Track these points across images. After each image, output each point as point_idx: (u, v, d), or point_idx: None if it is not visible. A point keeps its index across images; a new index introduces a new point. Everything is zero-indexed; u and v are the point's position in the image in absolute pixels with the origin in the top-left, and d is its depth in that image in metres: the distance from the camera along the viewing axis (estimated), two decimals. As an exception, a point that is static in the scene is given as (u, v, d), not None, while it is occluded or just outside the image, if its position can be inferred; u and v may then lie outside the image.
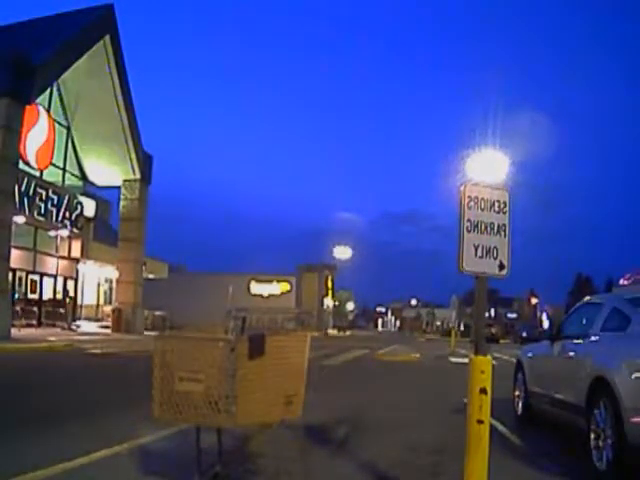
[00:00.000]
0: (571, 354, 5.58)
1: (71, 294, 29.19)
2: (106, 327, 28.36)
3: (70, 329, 24.69)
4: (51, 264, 27.90)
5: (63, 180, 28.13)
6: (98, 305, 33.98)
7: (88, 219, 29.87)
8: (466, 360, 3.70)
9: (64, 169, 28.16)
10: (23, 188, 23.63)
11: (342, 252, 66.33)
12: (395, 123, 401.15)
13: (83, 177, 29.70)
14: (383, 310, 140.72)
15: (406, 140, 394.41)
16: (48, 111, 25.59)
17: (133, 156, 28.04)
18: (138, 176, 28.53)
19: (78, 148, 28.70)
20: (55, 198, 26.52)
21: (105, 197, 35.02)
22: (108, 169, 28.66)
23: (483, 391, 3.47)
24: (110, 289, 33.96)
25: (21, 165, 22.40)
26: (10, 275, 21.06)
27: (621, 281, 6.92)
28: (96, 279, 33.51)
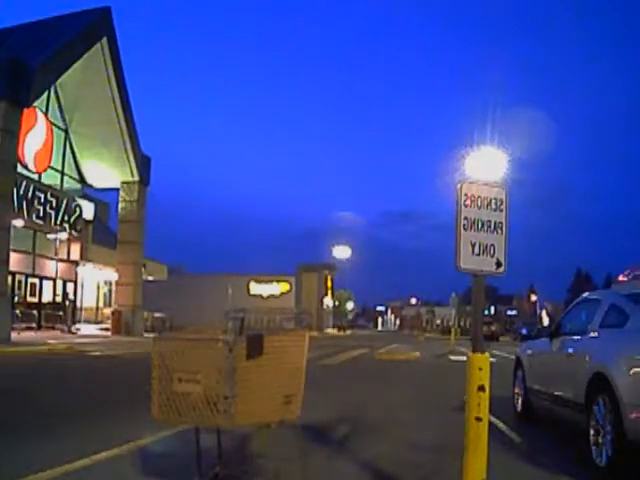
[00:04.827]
0: (570, 351, 5.58)
1: (70, 297, 29.20)
2: (106, 329, 28.37)
3: (70, 332, 24.69)
4: (50, 267, 27.90)
5: (61, 183, 28.14)
6: (98, 307, 33.98)
7: (87, 221, 29.88)
8: (466, 358, 3.70)
9: (62, 172, 28.17)
10: (21, 191, 23.64)
11: (341, 252, 66.48)
12: (394, 122, 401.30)
13: (81, 180, 29.72)
14: (383, 309, 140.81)
15: (405, 139, 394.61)
16: (46, 114, 25.59)
17: (131, 158, 28.04)
18: (136, 178, 28.53)
19: (76, 151, 28.71)
20: (54, 201, 26.52)
21: (104, 199, 35.11)
22: (106, 171, 28.67)
23: (481, 388, 3.47)
24: (110, 291, 33.97)
25: (19, 168, 22.40)
26: (9, 278, 21.05)
27: (620, 277, 6.91)
28: (95, 281, 33.51)
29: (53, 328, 25.62)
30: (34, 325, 24.80)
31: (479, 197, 3.79)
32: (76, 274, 30.22)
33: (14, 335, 18.62)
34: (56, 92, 26.33)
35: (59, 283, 28.91)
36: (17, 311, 22.56)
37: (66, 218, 27.59)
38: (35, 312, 25.72)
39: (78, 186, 29.66)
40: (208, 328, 3.77)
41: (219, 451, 3.75)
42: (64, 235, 26.97)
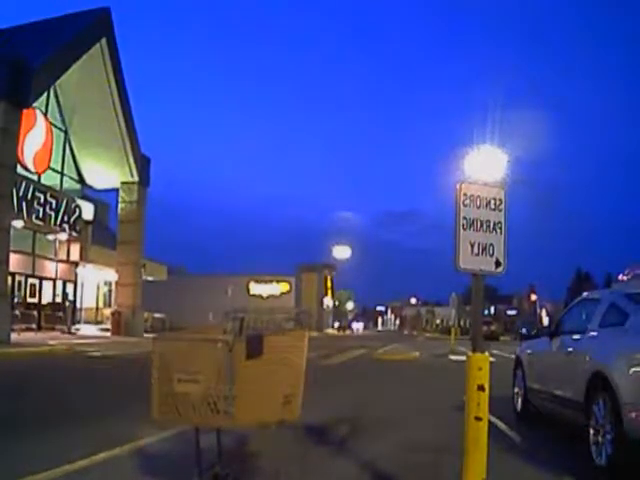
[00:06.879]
0: (570, 350, 5.59)
1: (70, 297, 29.16)
2: (106, 330, 28.33)
3: (70, 332, 24.67)
4: (50, 268, 27.87)
5: (61, 184, 28.11)
6: (97, 308, 33.93)
7: (86, 222, 29.81)
8: (465, 358, 3.71)
9: (62, 173, 28.13)
10: (21, 192, 23.58)
11: (342, 252, 66.54)
12: (395, 122, 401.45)
13: (81, 180, 29.68)
14: (383, 309, 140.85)
15: (405, 139, 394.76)
16: (45, 115, 25.56)
17: (131, 159, 28.02)
18: (136, 179, 28.50)
19: (76, 151, 28.68)
20: (53, 202, 26.47)
21: (103, 200, 35.06)
22: (106, 172, 28.63)
23: (481, 388, 3.48)
24: (109, 292, 33.94)
25: (19, 169, 22.36)
26: (9, 279, 21.04)
27: (620, 277, 6.92)
28: (95, 282, 33.47)
29: (53, 329, 25.58)
30: (34, 326, 24.75)
31: (478, 197, 3.80)
32: (76, 275, 30.19)
33: (14, 336, 18.59)
34: (56, 93, 26.30)
35: (59, 284, 28.87)
36: (17, 312, 22.52)
37: (66, 219, 27.54)
38: (35, 313, 25.68)
39: (78, 187, 29.62)
40: (208, 328, 3.77)
41: (219, 451, 3.75)
42: (64, 236, 26.93)
